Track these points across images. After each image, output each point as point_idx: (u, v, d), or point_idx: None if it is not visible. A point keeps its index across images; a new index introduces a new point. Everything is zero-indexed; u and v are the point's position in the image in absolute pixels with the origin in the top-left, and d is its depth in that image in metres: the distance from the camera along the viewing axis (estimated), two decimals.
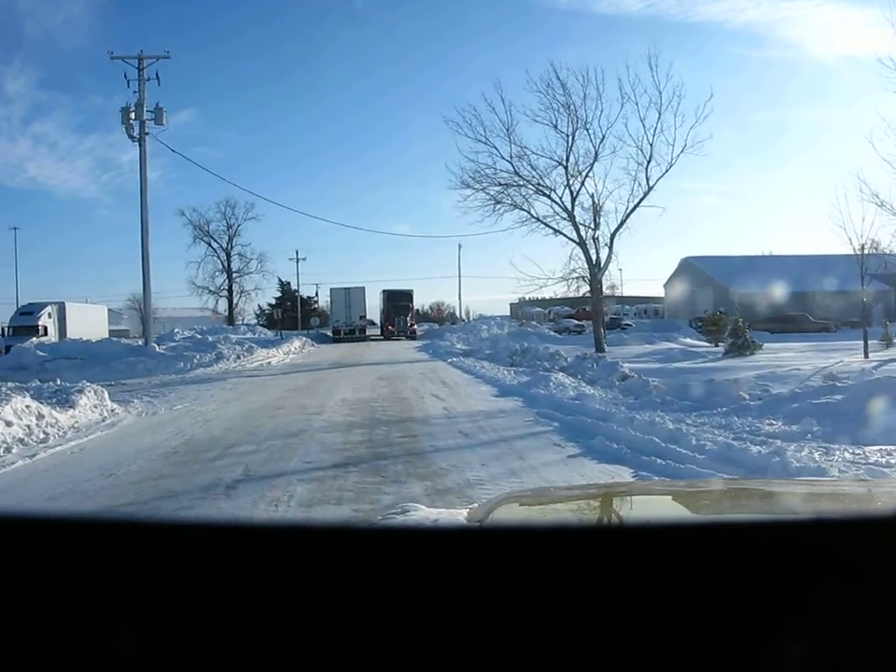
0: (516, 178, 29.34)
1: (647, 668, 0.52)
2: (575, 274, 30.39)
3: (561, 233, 29.92)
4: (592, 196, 29.57)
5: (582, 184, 29.25)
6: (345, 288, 46.53)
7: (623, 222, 29.38)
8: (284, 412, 11.64)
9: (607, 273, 30.12)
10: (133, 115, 24.41)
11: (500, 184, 29.63)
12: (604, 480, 6.05)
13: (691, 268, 46.50)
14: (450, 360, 23.59)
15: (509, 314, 76.48)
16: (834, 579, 0.54)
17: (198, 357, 23.80)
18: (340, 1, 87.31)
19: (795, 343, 28.65)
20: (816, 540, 0.57)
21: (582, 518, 1.92)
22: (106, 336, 39.70)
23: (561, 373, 14.63)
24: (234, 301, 61.23)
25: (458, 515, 2.09)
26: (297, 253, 61.71)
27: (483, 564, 0.54)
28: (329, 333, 45.78)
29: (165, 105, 24.97)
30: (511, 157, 29.12)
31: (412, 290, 46.00)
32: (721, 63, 77.79)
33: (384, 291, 46.83)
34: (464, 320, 61.56)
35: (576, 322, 51.83)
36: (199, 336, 37.23)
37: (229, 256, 60.45)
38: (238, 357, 24.77)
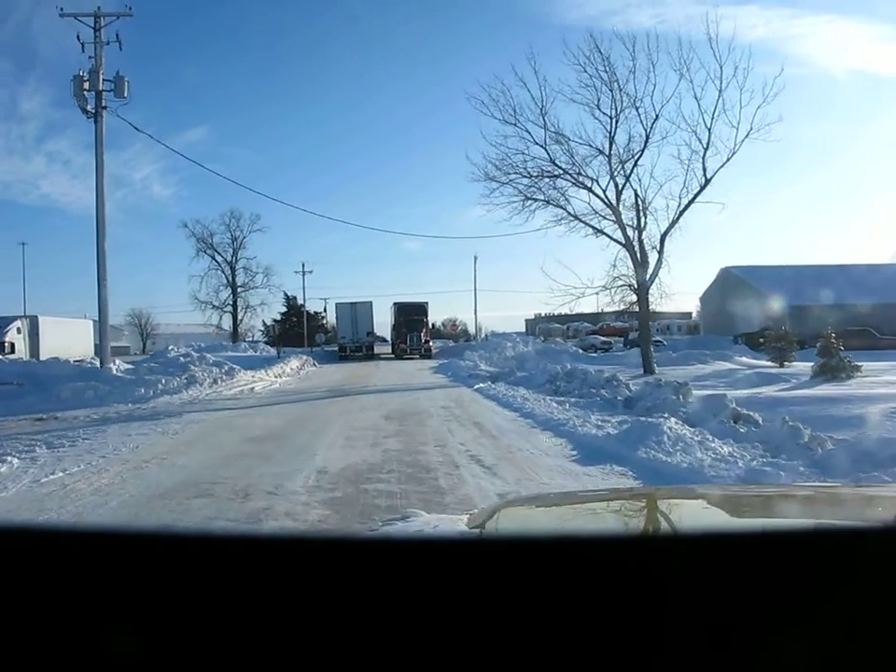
0: (551, 168, 23.84)
1: None
2: (620, 282, 24.84)
3: (603, 233, 24.40)
4: (635, 192, 24.09)
5: (630, 173, 23.76)
6: (351, 303, 41.05)
7: (675, 220, 23.74)
8: (201, 506, 6.04)
9: (656, 280, 24.48)
10: (87, 85, 19.01)
11: (531, 175, 24.14)
12: None
13: (731, 279, 40.74)
14: (477, 387, 17.98)
15: (524, 330, 71.10)
16: (836, 586, 0.52)
17: (164, 381, 18.33)
18: (346, 22, 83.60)
19: (878, 363, 22.98)
20: (811, 548, 0.55)
21: (583, 525, 1.83)
22: (91, 354, 34.85)
23: (673, 419, 8.91)
24: (239, 317, 55.75)
25: (458, 521, 1.96)
26: (303, 266, 56.41)
27: (483, 573, 0.52)
28: (337, 351, 40.28)
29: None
30: (546, 142, 23.67)
31: (426, 303, 40.03)
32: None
33: (395, 304, 40.94)
34: (476, 337, 55.81)
35: (602, 338, 46.27)
36: (194, 354, 32.75)
37: (233, 269, 54.99)
38: (214, 382, 19.28)
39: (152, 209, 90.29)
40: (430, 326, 40.38)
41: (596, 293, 25.20)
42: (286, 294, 57.93)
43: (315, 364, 30.82)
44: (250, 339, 53.64)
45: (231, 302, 55.08)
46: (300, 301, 57.89)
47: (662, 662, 0.50)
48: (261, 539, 0.57)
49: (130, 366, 22.60)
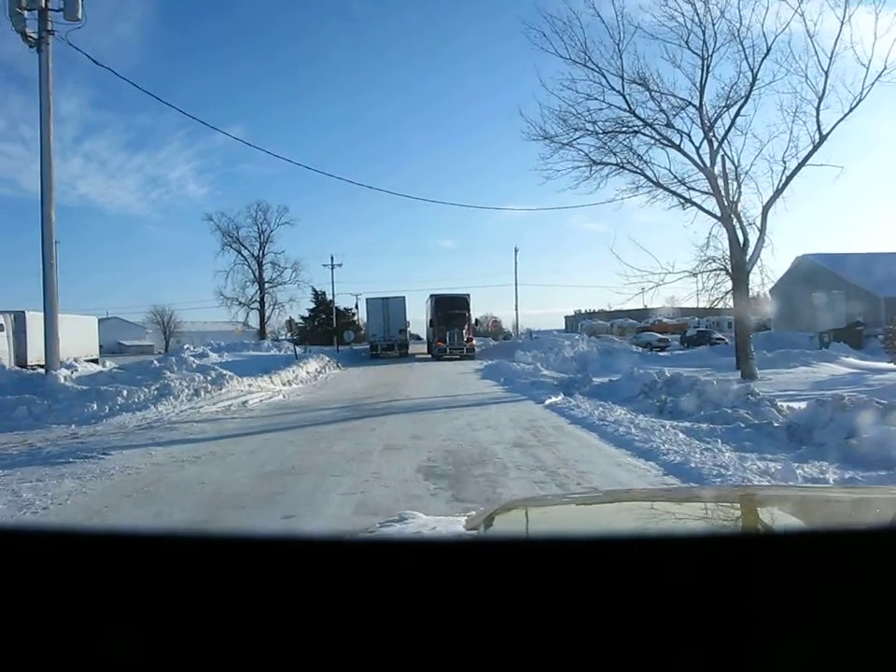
0: (630, 119, 18.31)
1: None
2: (714, 264, 19.20)
3: (692, 203, 18.82)
4: (724, 155, 18.48)
5: (731, 125, 18.16)
6: (383, 298, 35.68)
7: (781, 188, 18.09)
8: None
9: (757, 262, 18.78)
10: (26, 3, 13.86)
11: (602, 132, 18.62)
12: None
13: (810, 268, 34.58)
14: (548, 402, 12.54)
15: (564, 327, 65.47)
16: (835, 588, 0.50)
17: (126, 393, 13.21)
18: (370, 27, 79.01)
19: None
20: (810, 550, 0.54)
21: (581, 527, 1.73)
22: (94, 354, 30.14)
23: None
24: (267, 314, 50.83)
25: (457, 523, 1.85)
26: (332, 258, 51.29)
27: (480, 575, 0.50)
28: (368, 349, 34.94)
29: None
30: (623, 88, 18.14)
31: (468, 295, 33.72)
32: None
33: (432, 297, 34.92)
34: (518, 335, 50.16)
35: (658, 336, 40.44)
36: (211, 353, 28.01)
37: (260, 265, 50.18)
38: (195, 394, 14.07)
39: (187, 208, 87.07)
40: (473, 322, 34.45)
41: (680, 278, 19.60)
42: (314, 289, 52.78)
43: (338, 366, 25.63)
44: (283, 336, 48.70)
45: (258, 299, 50.35)
46: (329, 297, 52.72)
47: (660, 663, 0.48)
48: (256, 541, 0.53)
49: (103, 369, 17.53)
